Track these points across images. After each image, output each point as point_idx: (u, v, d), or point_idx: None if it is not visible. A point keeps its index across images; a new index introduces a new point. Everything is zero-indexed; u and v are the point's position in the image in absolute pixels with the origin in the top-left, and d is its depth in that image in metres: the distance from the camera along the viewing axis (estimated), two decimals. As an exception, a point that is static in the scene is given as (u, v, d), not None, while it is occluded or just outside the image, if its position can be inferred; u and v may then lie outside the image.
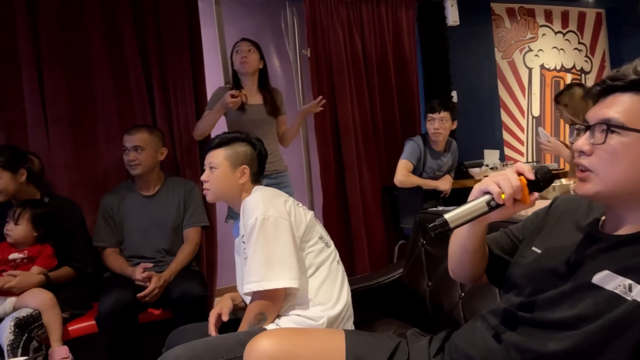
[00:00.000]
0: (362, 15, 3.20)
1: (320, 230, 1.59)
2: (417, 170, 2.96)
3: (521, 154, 4.33)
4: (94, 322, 1.94)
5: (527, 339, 0.87)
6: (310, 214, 1.58)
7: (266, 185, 1.68)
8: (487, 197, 0.89)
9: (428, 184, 2.94)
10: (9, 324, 1.73)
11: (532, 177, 0.89)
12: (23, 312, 1.79)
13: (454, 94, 3.58)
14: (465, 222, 0.90)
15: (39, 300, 1.83)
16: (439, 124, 2.89)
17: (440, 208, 2.90)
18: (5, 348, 1.68)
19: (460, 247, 1.04)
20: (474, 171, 3.37)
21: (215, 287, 2.69)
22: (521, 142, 4.34)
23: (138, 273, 2.06)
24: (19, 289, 1.86)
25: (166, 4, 2.51)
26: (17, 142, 2.21)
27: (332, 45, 3.05)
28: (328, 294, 1.46)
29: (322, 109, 2.61)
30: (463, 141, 3.47)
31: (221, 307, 1.55)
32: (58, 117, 2.33)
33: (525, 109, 4.37)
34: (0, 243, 1.96)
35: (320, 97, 2.59)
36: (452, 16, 3.50)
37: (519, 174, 0.89)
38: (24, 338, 1.72)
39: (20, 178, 2.02)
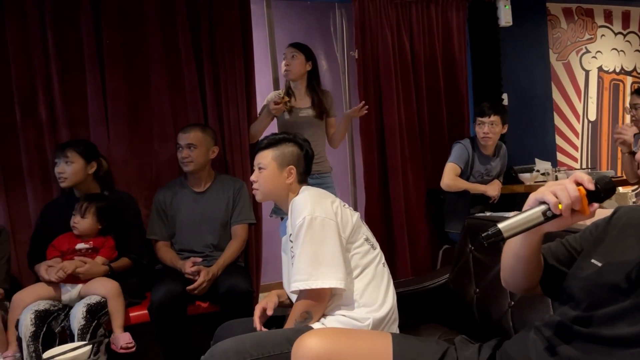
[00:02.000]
0: (411, 17, 3.17)
1: (366, 232, 1.60)
2: (464, 174, 2.90)
3: (575, 159, 4.15)
4: (146, 311, 2.03)
5: (583, 354, 0.84)
6: (357, 215, 1.59)
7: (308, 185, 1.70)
8: (543, 207, 0.87)
9: (476, 188, 2.88)
10: (80, 309, 1.83)
11: (592, 187, 0.85)
12: (93, 299, 1.90)
13: (504, 96, 3.48)
14: (519, 232, 0.87)
15: (106, 288, 1.94)
16: (489, 128, 2.82)
17: (488, 213, 2.83)
18: (75, 332, 1.79)
19: (514, 256, 1.02)
20: (524, 177, 3.26)
21: (260, 283, 2.75)
22: (575, 147, 4.16)
23: (188, 266, 2.14)
24: (85, 276, 1.98)
25: (220, 7, 2.59)
26: (80, 137, 2.34)
27: (380, 46, 3.04)
28: (374, 295, 1.46)
29: (366, 112, 2.61)
30: (513, 145, 3.37)
31: (267, 302, 1.59)
32: (117, 115, 2.46)
33: (580, 113, 4.19)
34: (66, 234, 2.08)
35: (363, 102, 2.59)
36: (505, 17, 3.40)
37: (578, 183, 0.86)
38: (93, 324, 1.83)
39: (89, 169, 2.18)
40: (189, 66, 2.55)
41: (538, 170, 3.37)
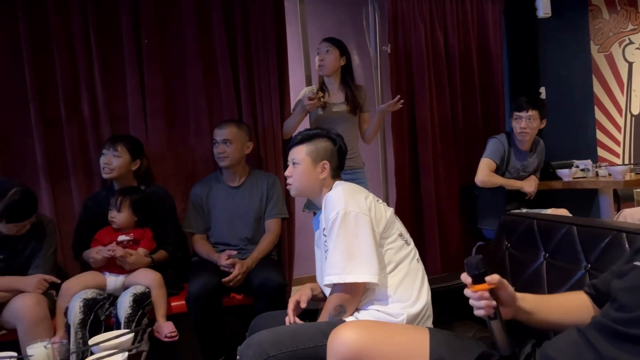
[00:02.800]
0: (445, 10, 3.12)
1: (400, 227, 1.59)
2: (499, 170, 2.84)
3: (617, 155, 3.99)
4: (183, 302, 2.10)
5: (627, 355, 0.83)
6: (390, 210, 1.59)
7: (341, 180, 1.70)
8: (487, 319, 1.04)
9: (512, 184, 2.82)
10: (127, 298, 1.92)
11: (470, 280, 1.03)
12: (138, 289, 1.97)
13: (542, 90, 3.39)
14: (504, 338, 1.04)
15: (149, 278, 2.02)
16: (526, 123, 2.75)
17: (524, 210, 2.77)
18: (122, 320, 1.87)
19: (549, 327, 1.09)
20: (563, 172, 3.17)
21: (292, 277, 2.78)
22: (617, 142, 4.00)
23: (223, 259, 2.20)
24: (131, 267, 2.07)
25: (254, 3, 2.62)
26: (120, 133, 2.42)
27: (413, 41, 3.02)
28: (408, 291, 1.46)
29: (401, 106, 2.59)
30: (551, 140, 3.27)
31: (300, 295, 1.61)
32: (155, 111, 2.53)
33: (623, 106, 4.01)
34: (107, 227, 2.17)
35: (398, 96, 2.57)
36: (544, 7, 3.30)
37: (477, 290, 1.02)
38: (139, 313, 1.91)
39: (133, 166, 2.27)
40: (223, 63, 2.60)
41: (577, 166, 3.27)
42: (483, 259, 1.04)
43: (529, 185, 2.85)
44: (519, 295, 1.10)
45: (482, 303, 1.02)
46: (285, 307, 2.17)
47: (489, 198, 2.87)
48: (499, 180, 2.80)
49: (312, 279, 1.76)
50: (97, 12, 2.42)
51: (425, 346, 1.07)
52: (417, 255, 1.58)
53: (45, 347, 1.50)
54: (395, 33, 2.97)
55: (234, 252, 2.28)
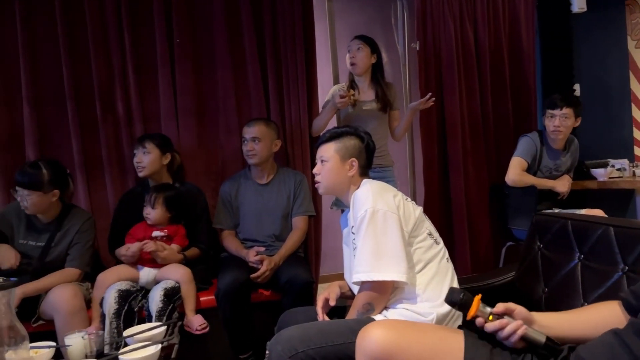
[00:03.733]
0: (475, 5, 3.07)
1: (429, 226, 1.58)
2: (531, 169, 2.78)
3: (655, 154, 3.84)
4: (213, 297, 2.14)
5: None
6: (419, 209, 1.58)
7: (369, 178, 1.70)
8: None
9: (544, 184, 2.75)
10: (159, 292, 1.97)
11: (471, 316, 1.09)
12: (169, 284, 2.02)
13: (576, 87, 3.29)
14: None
15: (179, 274, 2.07)
16: (560, 121, 2.68)
17: (557, 210, 2.70)
18: (153, 313, 1.93)
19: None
20: (597, 172, 3.07)
21: (319, 274, 2.79)
22: (656, 141, 3.85)
23: (251, 255, 2.23)
24: (163, 261, 2.12)
25: (283, 2, 2.64)
26: (152, 132, 2.48)
27: (442, 37, 2.98)
28: (437, 291, 1.45)
29: (432, 104, 2.56)
30: (585, 139, 3.18)
31: (329, 293, 1.61)
32: (186, 110, 2.58)
33: (662, 104, 3.86)
34: (141, 223, 2.23)
35: (430, 94, 2.54)
36: (579, 2, 3.20)
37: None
38: (169, 307, 1.96)
39: (164, 160, 2.32)
40: (252, 62, 2.63)
41: (613, 166, 3.16)
42: (455, 290, 1.12)
43: (562, 185, 2.77)
44: (536, 315, 1.08)
45: (507, 332, 1.02)
46: (312, 303, 2.19)
47: (519, 198, 2.81)
48: (530, 180, 2.73)
49: (338, 277, 1.76)
50: (131, 14, 2.49)
51: (460, 348, 1.05)
52: (447, 255, 1.57)
53: (82, 337, 1.56)
54: (424, 30, 2.94)
55: (262, 249, 2.31)
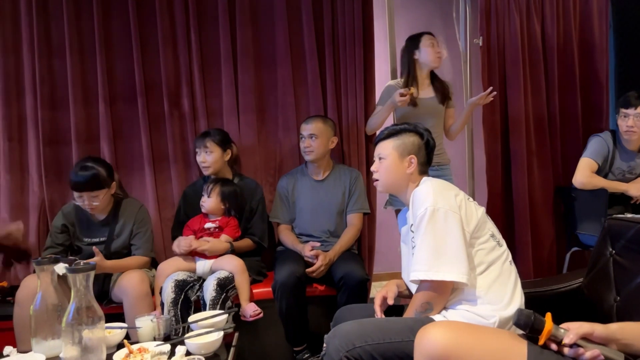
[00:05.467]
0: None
1: (492, 227, 1.54)
2: (601, 171, 2.62)
3: None
4: (269, 289, 2.19)
5: None
6: (482, 210, 1.54)
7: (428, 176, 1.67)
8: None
9: (616, 187, 2.58)
10: (212, 282, 2.05)
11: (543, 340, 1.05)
12: (222, 274, 2.10)
13: (655, 84, 3.05)
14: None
15: (232, 264, 2.14)
16: (634, 121, 2.51)
17: (629, 215, 2.53)
18: (207, 302, 2.01)
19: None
20: (677, 176, 2.84)
21: (373, 272, 2.79)
22: None
23: (307, 250, 2.26)
24: (211, 253, 2.20)
25: (343, -1, 2.65)
26: (215, 127, 2.56)
27: (507, 32, 2.88)
28: (500, 294, 1.41)
29: (492, 99, 2.48)
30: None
31: (387, 291, 1.61)
32: (247, 107, 2.66)
33: None
34: (198, 215, 2.34)
35: (491, 88, 2.46)
36: (659, -7, 2.97)
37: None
38: (222, 296, 2.04)
39: (226, 156, 2.40)
40: (311, 59, 2.66)
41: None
42: (523, 312, 1.07)
43: (636, 189, 2.59)
44: (613, 327, 1.04)
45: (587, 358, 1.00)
46: (366, 301, 2.19)
47: (588, 201, 2.66)
48: (600, 182, 2.58)
49: (391, 275, 1.75)
50: (198, 13, 2.59)
51: (522, 353, 1.01)
52: (510, 257, 1.51)
53: (151, 320, 1.65)
54: (488, 25, 2.85)
55: (318, 244, 2.34)
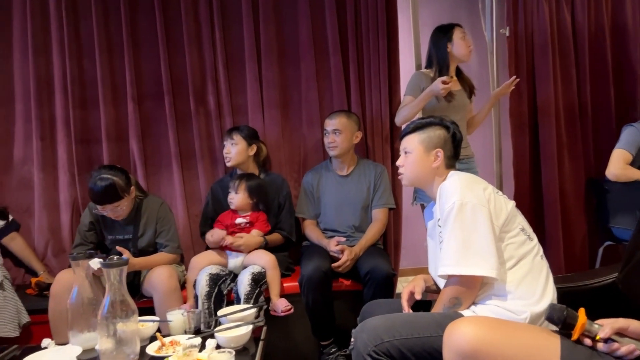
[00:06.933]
0: (574, -14, 2.84)
1: (522, 221, 1.51)
2: (636, 163, 2.53)
3: None
4: (296, 283, 2.21)
5: None
6: (512, 203, 1.51)
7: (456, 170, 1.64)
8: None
9: (652, 179, 2.49)
10: (247, 277, 2.08)
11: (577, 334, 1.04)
12: (256, 269, 2.13)
13: (694, 71, 2.93)
14: None
15: (264, 260, 2.17)
16: (671, 109, 2.41)
17: (666, 208, 2.44)
18: (242, 297, 2.04)
19: None
20: None
21: (399, 267, 2.77)
22: None
23: (332, 245, 2.27)
24: (245, 248, 2.23)
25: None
26: (240, 124, 2.59)
27: (536, 21, 2.81)
28: (531, 289, 1.38)
29: (514, 87, 2.42)
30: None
31: (414, 286, 1.59)
32: (271, 103, 2.67)
33: None
34: (228, 210, 2.37)
35: (514, 76, 2.39)
36: (699, -25, 2.84)
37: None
38: (256, 291, 2.07)
39: (250, 151, 2.43)
40: (335, 54, 2.65)
41: None
42: (555, 307, 1.06)
43: (674, 181, 2.49)
44: None
45: (620, 354, 0.98)
46: (392, 296, 2.18)
47: (622, 194, 2.57)
48: (635, 174, 2.49)
49: (417, 270, 1.74)
50: (222, 10, 2.62)
51: (555, 349, 0.99)
52: (542, 252, 1.48)
53: (182, 314, 1.69)
54: (516, 14, 2.78)
55: (343, 239, 2.34)
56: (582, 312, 1.03)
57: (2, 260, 2.39)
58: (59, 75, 2.58)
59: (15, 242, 2.52)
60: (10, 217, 2.53)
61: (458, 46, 2.40)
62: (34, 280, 2.42)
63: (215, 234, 2.22)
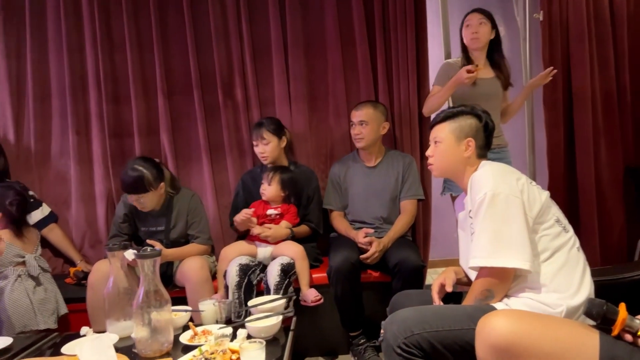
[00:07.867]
0: (612, -34, 2.71)
1: (557, 212, 1.46)
2: (679, 151, 2.42)
3: None
4: (324, 274, 2.21)
5: None
6: (546, 194, 1.46)
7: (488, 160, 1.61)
8: None
9: (695, 167, 2.38)
10: (276, 267, 2.10)
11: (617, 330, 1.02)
12: (285, 260, 2.15)
13: None
14: None
15: (293, 251, 2.19)
16: None
17: None
18: (272, 287, 2.07)
19: None
20: None
21: (428, 259, 2.74)
22: None
23: (361, 237, 2.26)
24: (273, 239, 2.25)
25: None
26: (268, 116, 2.59)
27: (571, 4, 2.70)
28: (566, 281, 1.34)
29: (551, 78, 2.33)
30: None
31: (445, 278, 1.57)
32: (298, 95, 2.68)
33: None
34: (260, 200, 2.39)
35: (551, 67, 2.31)
36: None
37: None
38: (286, 281, 2.09)
39: (282, 144, 2.44)
40: (362, 44, 2.63)
41: None
42: (595, 302, 1.04)
43: None
44: None
45: None
46: (422, 287, 2.16)
47: (663, 182, 2.47)
48: (678, 162, 2.38)
49: (447, 262, 1.71)
50: (249, 5, 2.63)
51: (594, 344, 0.96)
52: (578, 244, 1.44)
53: (213, 304, 1.73)
54: (550, -2, 2.68)
55: (371, 231, 2.33)
56: (622, 306, 0.99)
57: (41, 250, 2.49)
58: (92, 71, 2.65)
59: (53, 233, 2.61)
60: (49, 210, 2.63)
61: (464, 34, 2.36)
62: (72, 269, 2.51)
63: (242, 212, 2.23)
